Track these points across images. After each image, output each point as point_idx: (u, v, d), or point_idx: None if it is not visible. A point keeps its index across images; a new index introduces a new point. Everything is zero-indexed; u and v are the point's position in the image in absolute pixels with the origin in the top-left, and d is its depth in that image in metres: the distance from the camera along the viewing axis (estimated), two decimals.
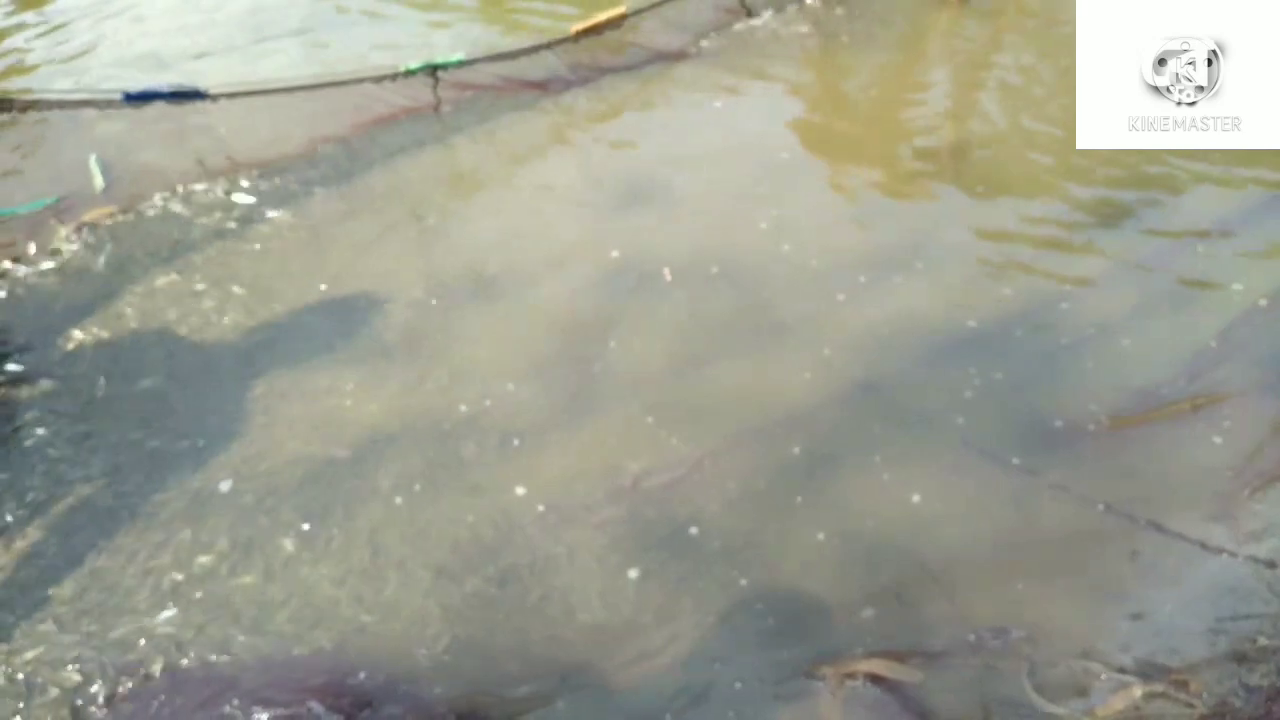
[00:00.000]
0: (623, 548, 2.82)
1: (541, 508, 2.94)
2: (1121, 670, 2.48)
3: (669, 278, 3.78)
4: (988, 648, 2.54)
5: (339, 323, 3.60)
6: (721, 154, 4.51)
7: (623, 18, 5.17)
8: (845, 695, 2.45)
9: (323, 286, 3.77)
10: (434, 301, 3.68)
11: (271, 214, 4.14)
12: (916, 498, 2.93)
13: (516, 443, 3.14)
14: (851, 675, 2.48)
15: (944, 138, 4.61)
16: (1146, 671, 2.47)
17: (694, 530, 2.87)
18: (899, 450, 3.07)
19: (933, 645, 2.56)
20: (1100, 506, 2.85)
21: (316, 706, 2.40)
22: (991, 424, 3.14)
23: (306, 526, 2.90)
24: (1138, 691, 2.43)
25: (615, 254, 3.91)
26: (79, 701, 2.48)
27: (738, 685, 2.50)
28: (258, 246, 3.98)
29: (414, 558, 2.81)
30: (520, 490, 2.99)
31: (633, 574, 2.75)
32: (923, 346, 3.43)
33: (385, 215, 4.15)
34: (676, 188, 4.29)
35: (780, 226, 4.01)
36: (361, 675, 2.51)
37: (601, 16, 5.09)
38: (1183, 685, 2.44)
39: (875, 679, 2.47)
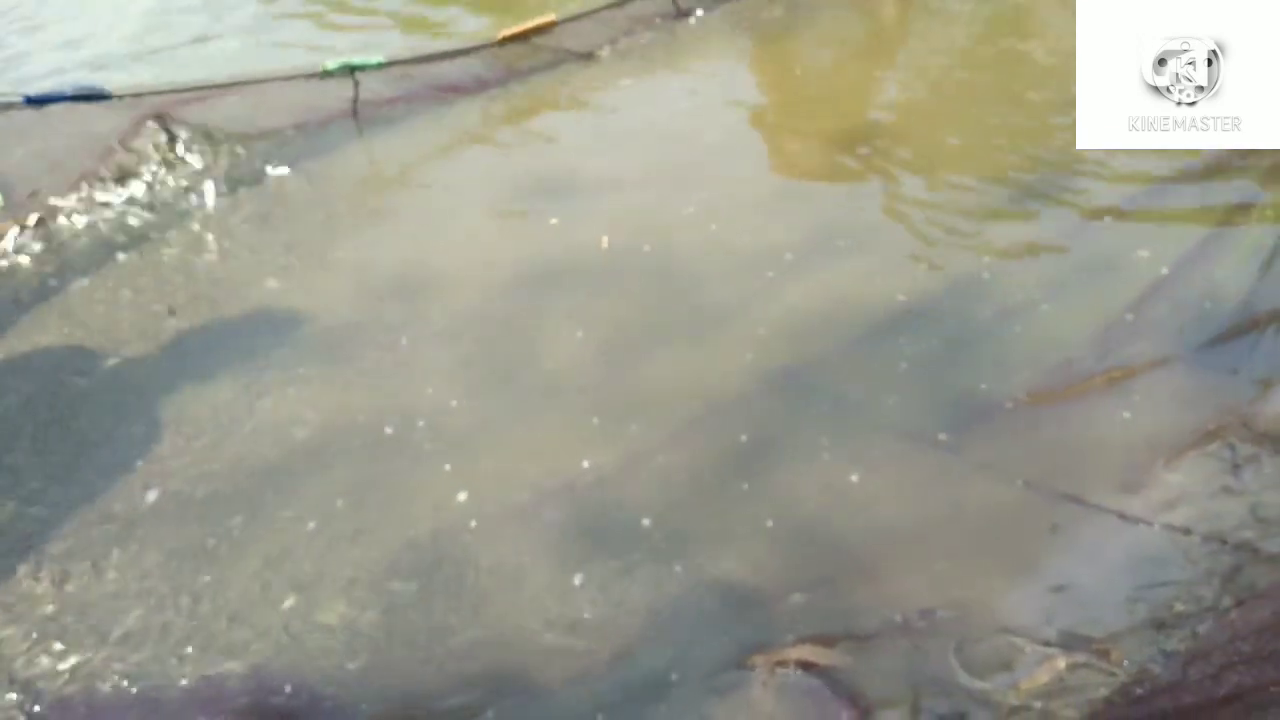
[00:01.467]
0: (560, 548, 2.80)
1: (474, 509, 2.90)
2: (1045, 643, 2.52)
3: (606, 245, 3.76)
4: (915, 628, 2.56)
5: (260, 331, 3.54)
6: (646, 141, 4.53)
7: (552, 25, 5.13)
8: (777, 684, 2.46)
9: (241, 293, 3.70)
10: (359, 307, 3.63)
11: (182, 221, 4.04)
12: (854, 477, 2.95)
13: (451, 448, 3.10)
14: (782, 663, 2.50)
15: (864, 120, 4.64)
16: (1069, 643, 2.51)
17: (635, 525, 2.85)
18: (837, 432, 3.09)
19: (862, 628, 2.57)
20: (1019, 482, 2.90)
21: None
22: (918, 402, 3.17)
23: (232, 538, 2.84)
24: (1061, 663, 2.47)
25: (543, 247, 3.89)
26: None
27: (673, 678, 2.49)
28: (171, 254, 3.90)
29: (343, 568, 2.76)
30: (458, 496, 2.95)
31: (569, 574, 2.73)
32: (852, 323, 3.46)
33: (304, 219, 4.08)
34: (602, 176, 4.28)
35: (706, 208, 4.03)
36: (287, 689, 2.46)
37: (531, 23, 5.04)
38: (1104, 654, 2.49)
39: (806, 666, 2.48)
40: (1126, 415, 3.08)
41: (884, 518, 2.84)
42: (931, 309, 3.51)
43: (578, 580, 2.72)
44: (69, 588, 2.73)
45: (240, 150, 4.48)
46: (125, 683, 2.50)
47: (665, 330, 3.48)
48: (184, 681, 2.49)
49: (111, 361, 3.43)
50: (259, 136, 4.53)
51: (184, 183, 4.26)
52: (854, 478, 2.95)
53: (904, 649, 2.53)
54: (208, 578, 2.75)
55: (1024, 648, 2.52)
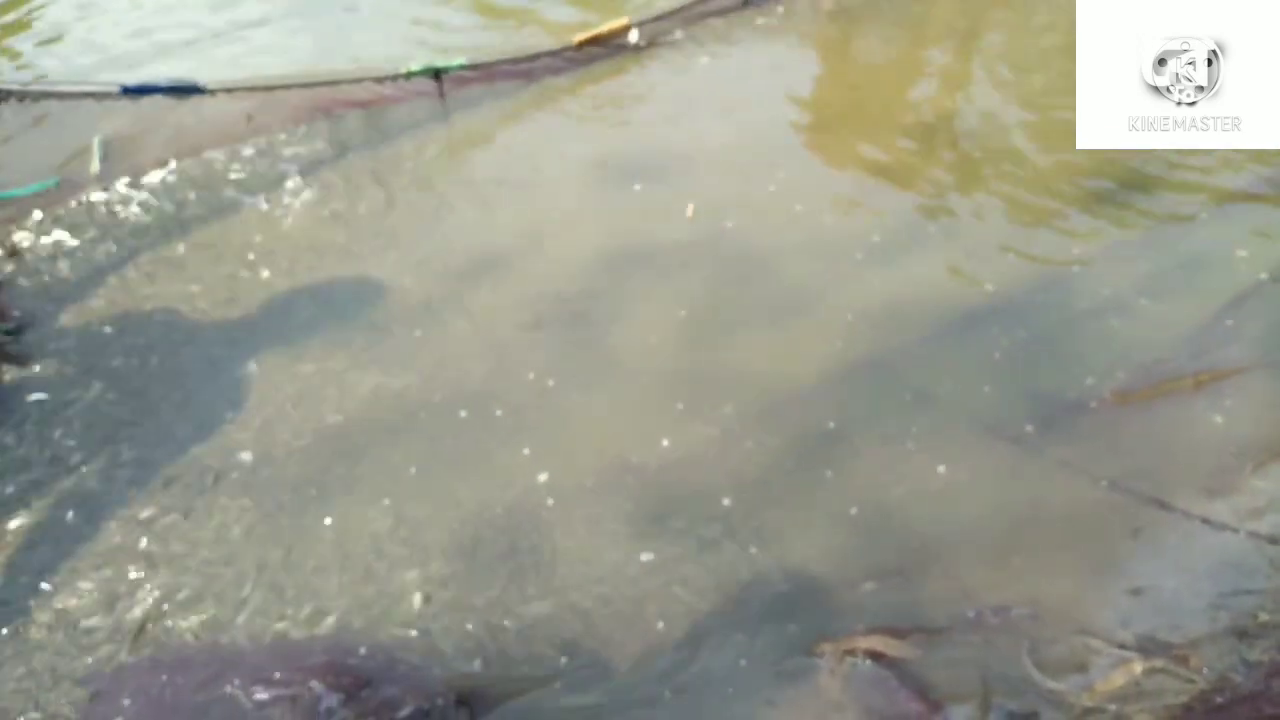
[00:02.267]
0: (638, 527, 2.82)
1: (552, 485, 2.94)
2: (1122, 646, 2.47)
3: (691, 213, 3.80)
4: (988, 624, 2.53)
5: (345, 304, 3.63)
6: (725, 121, 4.55)
7: (626, 29, 5.19)
8: (845, 672, 2.45)
9: (329, 266, 3.78)
10: (444, 282, 3.69)
11: (266, 194, 4.16)
12: (939, 469, 2.92)
13: (531, 423, 3.14)
14: (851, 652, 2.48)
15: (950, 110, 4.60)
16: (1147, 647, 2.46)
17: (715, 507, 2.86)
18: (923, 422, 3.07)
19: (933, 621, 2.55)
20: (1103, 483, 2.85)
21: (317, 685, 2.40)
22: (1006, 395, 3.14)
23: (312, 505, 2.92)
24: (1138, 667, 2.42)
25: (627, 220, 3.93)
26: (80, 678, 2.49)
27: (742, 663, 2.49)
28: (253, 226, 4.01)
29: (420, 538, 2.81)
30: (534, 470, 2.99)
31: (644, 552, 2.75)
32: (939, 312, 3.45)
33: (391, 195, 4.16)
34: (682, 154, 4.31)
35: (789, 188, 4.04)
36: (362, 650, 2.51)
37: (605, 27, 5.12)
38: (1183, 661, 2.43)
39: (875, 655, 2.47)
40: (1218, 419, 3.01)
41: (963, 511, 2.81)
42: (1020, 301, 3.47)
43: (653, 558, 2.73)
44: (159, 543, 2.83)
45: (321, 126, 4.60)
46: (207, 637, 2.58)
47: (752, 312, 3.49)
48: (264, 638, 2.56)
49: (205, 327, 3.54)
50: (346, 114, 4.64)
51: (275, 157, 4.39)
52: (939, 469, 2.93)
53: (976, 644, 2.50)
54: (291, 540, 2.82)
55: (1100, 650, 2.48)
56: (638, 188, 4.10)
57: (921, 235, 3.78)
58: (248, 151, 4.39)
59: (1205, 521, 2.74)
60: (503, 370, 3.32)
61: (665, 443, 3.05)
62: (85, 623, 2.62)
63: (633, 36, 5.19)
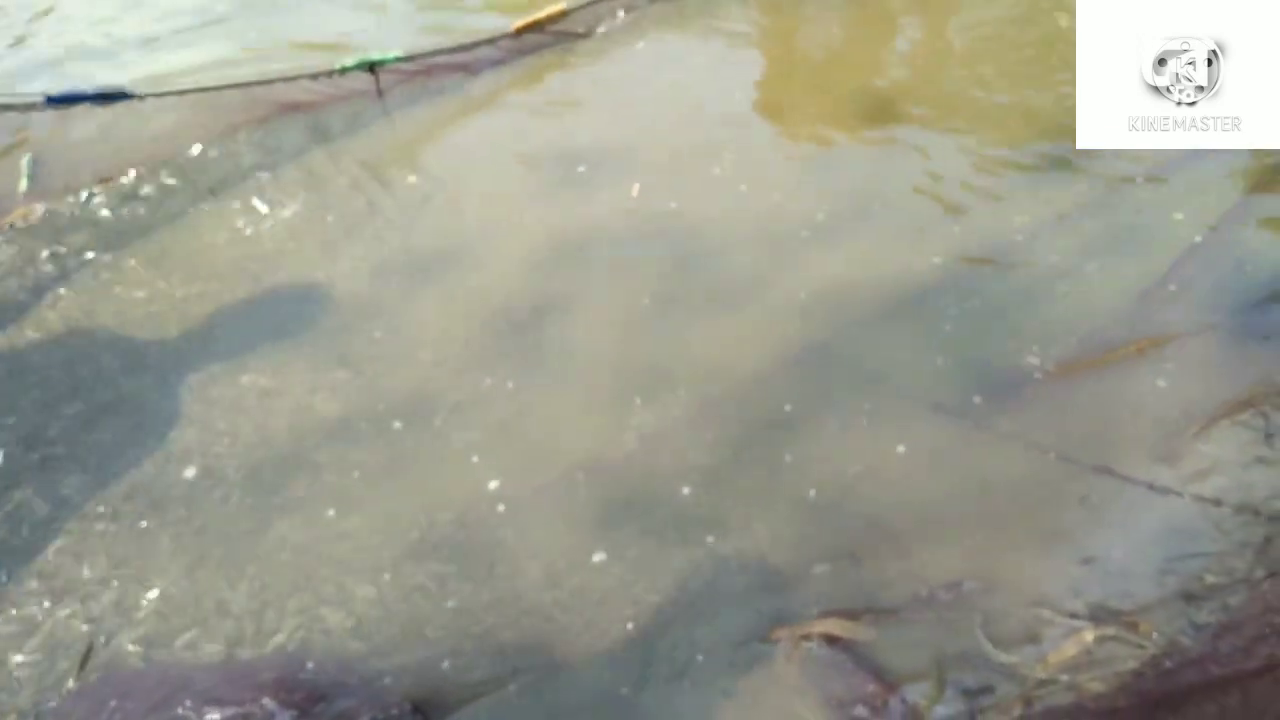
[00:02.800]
0: (593, 524, 2.80)
1: (501, 490, 2.91)
2: (1073, 615, 2.50)
3: (637, 193, 3.80)
4: (941, 601, 2.55)
5: (287, 310, 3.57)
6: (668, 105, 4.54)
7: (563, 14, 5.15)
8: (801, 657, 2.45)
9: (271, 271, 3.73)
10: (388, 284, 3.64)
11: (207, 202, 4.09)
12: (895, 448, 2.93)
13: (479, 425, 3.11)
14: (806, 637, 2.49)
15: (893, 84, 4.61)
16: (1098, 615, 2.49)
17: (673, 498, 2.85)
18: (876, 401, 3.08)
19: (886, 602, 2.56)
20: (1050, 454, 2.87)
21: (269, 703, 2.37)
22: (955, 371, 3.15)
23: (258, 519, 2.87)
24: (1089, 635, 2.45)
25: (572, 209, 3.90)
26: (25, 709, 2.44)
27: (699, 656, 2.48)
28: (195, 236, 3.93)
29: (370, 547, 2.78)
30: (481, 472, 2.96)
31: (599, 550, 2.73)
32: (889, 288, 3.46)
33: (330, 199, 4.10)
34: (625, 139, 4.30)
35: (734, 169, 4.06)
36: (310, 666, 2.48)
37: (542, 13, 5.08)
38: (1133, 627, 2.46)
39: (830, 639, 2.47)
40: (1161, 384, 3.05)
41: (915, 489, 2.82)
42: (968, 272, 3.50)
43: (608, 556, 2.71)
44: (102, 565, 2.77)
45: (267, 133, 4.52)
46: (156, 659, 2.53)
47: (704, 299, 3.47)
48: (214, 657, 2.52)
49: (146, 344, 3.47)
50: (285, 118, 4.56)
51: (214, 167, 4.30)
52: (892, 448, 2.94)
53: (930, 622, 2.51)
54: (237, 555, 2.78)
55: (1052, 621, 2.50)
56: (583, 174, 4.07)
57: (866, 212, 3.79)
58: (185, 162, 4.29)
59: (1151, 487, 2.77)
60: (455, 373, 3.28)
61: (626, 437, 3.03)
62: (30, 651, 2.56)
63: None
